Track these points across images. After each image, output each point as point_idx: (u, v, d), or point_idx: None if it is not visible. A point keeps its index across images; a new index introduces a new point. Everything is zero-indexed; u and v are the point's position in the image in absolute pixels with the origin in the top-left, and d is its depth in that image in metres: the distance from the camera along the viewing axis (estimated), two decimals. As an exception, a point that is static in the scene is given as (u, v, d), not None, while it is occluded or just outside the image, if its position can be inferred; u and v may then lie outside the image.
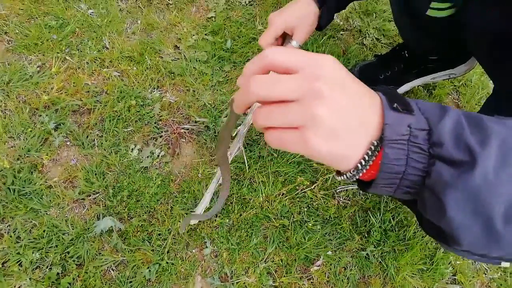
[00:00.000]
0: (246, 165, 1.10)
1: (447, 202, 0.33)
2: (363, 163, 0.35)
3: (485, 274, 1.20)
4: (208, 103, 1.17)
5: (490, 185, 0.32)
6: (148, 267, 0.95)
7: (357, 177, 0.37)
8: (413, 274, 1.12)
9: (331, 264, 1.08)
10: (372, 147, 0.34)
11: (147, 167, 1.06)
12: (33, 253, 0.90)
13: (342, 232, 1.12)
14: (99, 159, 1.03)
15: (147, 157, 1.07)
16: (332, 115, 0.32)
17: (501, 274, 1.21)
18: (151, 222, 1.00)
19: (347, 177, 0.37)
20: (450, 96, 1.43)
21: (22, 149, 0.99)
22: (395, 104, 0.35)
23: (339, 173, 0.39)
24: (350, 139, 0.33)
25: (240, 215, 1.07)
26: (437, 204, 0.34)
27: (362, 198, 1.17)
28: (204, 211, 0.98)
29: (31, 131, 1.01)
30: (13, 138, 1.01)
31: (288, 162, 1.15)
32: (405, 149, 0.34)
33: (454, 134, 0.33)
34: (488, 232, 0.34)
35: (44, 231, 0.93)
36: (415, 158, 0.34)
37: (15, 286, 0.88)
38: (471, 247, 0.37)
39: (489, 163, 0.32)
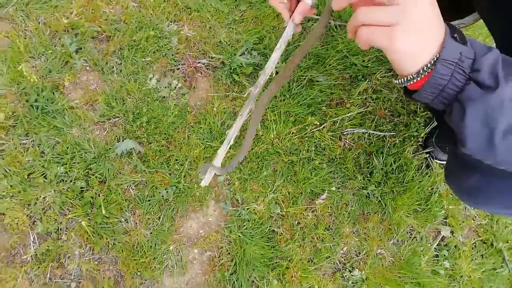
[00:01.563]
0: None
1: (468, 111, 0.49)
2: (421, 71, 0.49)
3: (474, 220, 1.37)
4: (224, 41, 1.25)
5: (502, 108, 0.47)
6: (166, 189, 1.07)
7: (411, 82, 0.52)
8: (408, 213, 1.27)
9: (334, 200, 1.21)
10: (432, 61, 0.49)
11: (165, 96, 1.14)
12: (57, 167, 0.99)
13: (346, 171, 1.25)
14: (119, 85, 1.11)
15: (165, 87, 1.15)
16: (420, 20, 0.46)
17: (487, 221, 1.38)
18: (169, 148, 1.10)
19: (404, 81, 0.52)
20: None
21: (44, 69, 1.06)
22: (455, 34, 0.50)
23: (397, 77, 0.53)
24: (425, 42, 0.48)
25: (252, 149, 1.18)
26: (461, 113, 0.50)
27: (366, 142, 1.29)
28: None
29: (51, 53, 1.08)
30: (34, 58, 1.07)
31: (299, 104, 1.25)
32: (452, 69, 0.49)
33: (490, 66, 0.48)
34: (488, 141, 0.50)
35: (67, 148, 1.02)
36: (457, 77, 0.49)
37: (40, 197, 0.98)
38: (473, 150, 0.53)
39: (506, 92, 0.47)
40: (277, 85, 0.76)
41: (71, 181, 1.01)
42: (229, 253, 1.09)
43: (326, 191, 1.21)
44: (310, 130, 1.25)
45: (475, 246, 1.34)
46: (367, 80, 1.33)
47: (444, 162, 1.34)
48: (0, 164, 0.97)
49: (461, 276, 1.27)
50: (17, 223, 0.96)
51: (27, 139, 1.02)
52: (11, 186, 0.96)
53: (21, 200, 0.97)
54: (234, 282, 1.06)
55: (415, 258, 1.23)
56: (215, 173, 0.83)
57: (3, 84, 1.03)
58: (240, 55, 1.25)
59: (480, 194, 0.87)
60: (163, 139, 1.11)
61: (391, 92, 1.36)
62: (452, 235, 1.32)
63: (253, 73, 1.23)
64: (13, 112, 1.01)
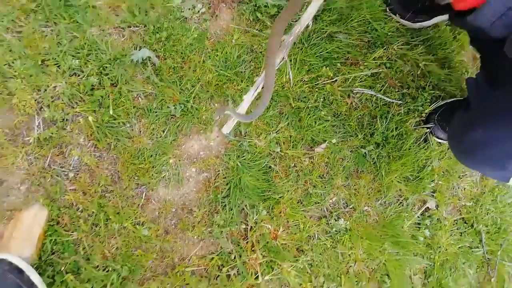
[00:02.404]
0: (291, 76, 1.23)
1: None
2: None
3: (460, 200, 1.45)
4: (254, -22, 1.28)
5: None
6: (174, 105, 1.11)
7: None
8: (400, 179, 1.34)
9: (332, 152, 1.28)
10: None
11: (187, 18, 1.18)
12: (72, 59, 1.02)
13: (349, 128, 1.31)
14: (145, -4, 1.13)
15: (189, 9, 1.19)
16: None
17: (472, 204, 1.46)
18: (183, 67, 1.14)
19: None
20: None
21: (73, -36, 1.08)
22: None
23: None
24: None
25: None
26: None
27: (373, 105, 1.35)
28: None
29: (83, -50, 1.10)
30: (65, -49, 1.09)
31: (315, 55, 1.30)
32: None
33: None
34: None
35: (84, 44, 1.05)
36: None
37: (50, 85, 1.01)
38: None
39: None
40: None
41: (83, 76, 1.04)
42: (225, 178, 1.14)
43: (326, 142, 1.27)
44: (322, 81, 1.30)
45: (456, 223, 1.42)
46: (384, 48, 1.39)
47: (442, 141, 1.42)
48: (16, 45, 0.99)
49: (439, 247, 1.36)
50: (24, 105, 0.99)
51: (46, 26, 1.04)
52: (24, 68, 0.99)
53: (31, 84, 0.99)
54: (225, 205, 1.11)
55: (398, 221, 1.31)
56: (238, 120, 0.88)
57: (30, -31, 1.04)
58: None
59: (480, 150, 0.94)
60: (179, 57, 1.14)
61: (405, 64, 1.43)
62: (437, 208, 1.40)
63: (276, 15, 1.28)
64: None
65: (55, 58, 1.03)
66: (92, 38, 1.07)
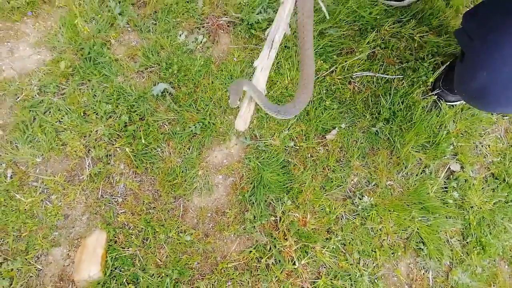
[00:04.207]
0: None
1: None
2: None
3: (485, 158, 1.24)
4: (243, 2, 1.23)
5: None
6: (194, 124, 1.09)
7: None
8: (416, 149, 1.18)
9: (344, 136, 1.17)
10: None
11: (192, 50, 1.16)
12: (106, 105, 1.05)
13: (355, 111, 1.19)
14: (154, 41, 1.15)
15: (192, 42, 1.17)
16: None
17: (500, 159, 1.25)
18: (196, 91, 1.12)
19: None
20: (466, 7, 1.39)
21: (95, 30, 1.12)
22: None
23: None
24: None
25: (268, 92, 1.16)
26: None
27: (375, 85, 1.22)
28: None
29: (100, 16, 1.14)
30: (86, 22, 1.14)
31: (311, 53, 1.21)
32: None
33: None
34: None
35: (114, 91, 1.07)
36: None
37: (93, 130, 1.05)
38: None
39: None
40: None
41: (117, 117, 1.06)
42: (248, 178, 1.08)
43: (336, 128, 1.16)
44: (321, 74, 1.20)
45: (486, 181, 1.21)
46: (376, 31, 1.26)
47: (454, 103, 1.23)
48: (62, 104, 1.05)
49: (471, 207, 1.16)
50: (75, 151, 1.03)
51: (83, 84, 1.08)
52: (71, 121, 1.03)
53: (78, 132, 1.04)
54: (253, 202, 1.06)
55: (423, 188, 1.15)
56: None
57: (63, 43, 1.10)
58: (257, 14, 1.23)
59: (488, 93, 0.79)
60: (191, 84, 1.13)
61: (399, 41, 1.28)
62: (462, 170, 1.21)
63: (268, 27, 1.21)
64: (71, 64, 1.08)
65: (93, 107, 1.06)
66: (118, 85, 1.09)
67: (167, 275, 0.96)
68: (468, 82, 0.84)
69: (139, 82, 1.12)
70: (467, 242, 1.14)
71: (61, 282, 0.93)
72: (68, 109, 1.05)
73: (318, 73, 1.19)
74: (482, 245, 1.14)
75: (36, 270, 0.93)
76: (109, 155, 1.04)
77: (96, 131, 1.05)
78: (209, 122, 1.10)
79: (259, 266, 1.01)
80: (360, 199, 1.12)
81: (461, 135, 1.24)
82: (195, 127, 1.09)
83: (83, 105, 1.06)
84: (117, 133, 1.05)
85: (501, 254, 1.15)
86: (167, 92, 1.10)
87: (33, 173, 1.00)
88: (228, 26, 1.22)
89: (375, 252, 1.08)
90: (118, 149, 1.05)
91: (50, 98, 1.05)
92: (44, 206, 0.98)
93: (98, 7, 1.15)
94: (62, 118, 1.04)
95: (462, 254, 1.12)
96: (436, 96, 1.24)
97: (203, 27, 1.20)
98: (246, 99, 0.74)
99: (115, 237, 0.98)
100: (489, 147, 1.25)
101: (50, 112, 1.04)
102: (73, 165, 1.02)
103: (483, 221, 1.16)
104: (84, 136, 1.04)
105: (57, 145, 1.03)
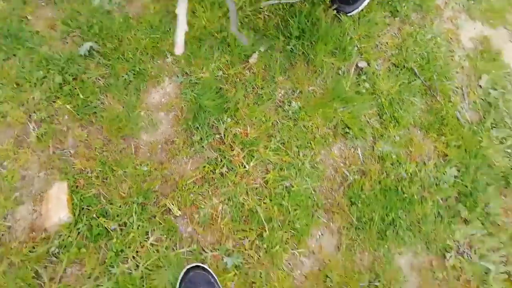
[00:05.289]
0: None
1: None
2: None
3: (386, 53, 1.40)
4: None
5: None
6: (126, 73, 1.13)
7: None
8: (328, 56, 1.32)
9: (265, 58, 1.27)
10: None
11: (109, 10, 1.22)
12: (37, 71, 1.06)
13: (270, 36, 1.31)
14: (70, 9, 1.17)
15: (107, 3, 1.23)
16: None
17: (398, 51, 1.40)
18: (121, 45, 1.18)
19: None
20: None
21: (9, 9, 1.11)
22: None
23: None
24: None
25: (189, 33, 1.22)
26: None
27: (282, 11, 1.33)
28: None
29: (11, -4, 1.13)
30: (-1, 3, 1.12)
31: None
32: None
33: None
34: None
35: (42, 58, 1.12)
36: None
37: (30, 97, 1.06)
38: None
39: None
40: None
41: (50, 81, 1.08)
42: (188, 109, 1.15)
43: (257, 52, 1.26)
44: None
45: (390, 70, 1.39)
46: (272, -33, 1.35)
47: (351, 13, 1.37)
48: (-7, 80, 1.04)
49: (382, 92, 1.33)
50: (16, 119, 1.05)
51: (8, 59, 1.09)
52: (5, 94, 1.04)
53: (15, 102, 1.05)
54: (197, 127, 1.13)
55: (339, 85, 1.30)
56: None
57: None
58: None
59: None
60: (115, 40, 1.18)
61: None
62: (368, 65, 1.37)
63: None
64: (-8, 43, 1.08)
65: (25, 77, 1.08)
66: (45, 53, 1.11)
67: (133, 202, 1.02)
68: None
69: (65, 48, 1.15)
70: (383, 120, 1.30)
71: (34, 233, 0.96)
72: (0, 84, 1.04)
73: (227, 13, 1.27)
74: (396, 119, 1.30)
75: (6, 227, 0.95)
76: (52, 116, 1.07)
77: (33, 97, 1.07)
78: (139, 68, 1.16)
79: (214, 176, 1.10)
80: (289, 106, 1.23)
81: (363, 38, 1.39)
82: (128, 75, 1.14)
83: (14, 77, 1.08)
84: (54, 94, 1.08)
85: (412, 123, 1.32)
86: (94, 50, 1.14)
87: (-20, 147, 1.00)
88: (138, -16, 1.26)
89: (310, 143, 1.20)
90: (59, 108, 1.07)
91: (-21, 77, 1.04)
92: (-1, 173, 0.98)
93: (7, -12, 1.14)
94: (-4, 93, 1.04)
95: (381, 129, 1.28)
96: (335, 11, 1.37)
97: (114, -11, 1.24)
98: (178, 27, 0.85)
99: (76, 183, 1.02)
100: (387, 44, 1.42)
101: (-18, 90, 1.04)
102: (18, 131, 1.04)
103: (393, 101, 1.33)
104: (23, 104, 1.06)
105: (-2, 118, 1.02)
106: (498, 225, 1.38)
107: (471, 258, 1.33)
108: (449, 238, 1.31)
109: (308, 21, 1.37)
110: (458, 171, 1.37)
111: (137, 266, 1.01)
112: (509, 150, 1.45)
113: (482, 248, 1.33)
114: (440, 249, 1.29)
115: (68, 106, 1.08)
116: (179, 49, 0.93)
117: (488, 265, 1.34)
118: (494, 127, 1.46)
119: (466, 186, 1.35)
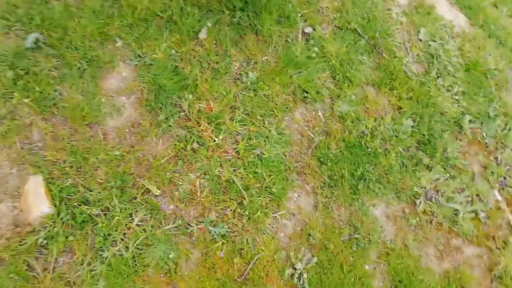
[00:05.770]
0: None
1: None
2: None
3: (328, 17, 2.14)
4: None
5: None
6: (79, 62, 1.66)
7: None
8: (274, 26, 2.00)
9: (214, 33, 1.91)
10: None
11: (47, 0, 1.72)
12: (-14, 70, 1.53)
13: (215, 10, 1.95)
14: (5, 2, 1.66)
15: (43, -7, 1.72)
16: None
17: (339, 14, 2.16)
18: (67, 33, 1.69)
19: None
20: None
21: None
22: None
23: None
24: None
25: (133, 16, 1.80)
26: None
27: (223, -14, 1.98)
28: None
29: None
30: None
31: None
32: None
33: None
34: None
35: (-14, 56, 1.56)
36: None
37: (-17, 98, 1.52)
38: None
39: None
40: None
41: (2, 77, 1.56)
42: (148, 90, 1.72)
43: (205, 27, 1.89)
44: (174, -11, 1.90)
45: (335, 33, 2.13)
46: None
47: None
48: None
49: (331, 55, 2.05)
50: (-26, 120, 1.49)
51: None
52: (-44, 96, 1.49)
53: (-31, 103, 1.50)
54: (160, 107, 1.71)
55: (290, 52, 1.98)
56: None
57: None
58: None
59: None
60: (60, 29, 1.69)
61: None
62: (314, 30, 2.09)
63: (109, -38, 1.85)
64: None
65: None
66: (-12, 50, 1.58)
67: (111, 187, 1.54)
68: None
69: (9, 42, 1.63)
70: (337, 81, 2.02)
71: (18, 228, 1.42)
72: None
73: (170, -12, 1.89)
74: (348, 79, 2.03)
75: (-11, 227, 1.40)
76: (11, 112, 1.54)
77: (-14, 96, 1.53)
78: (91, 55, 1.69)
79: (186, 153, 1.68)
80: (247, 77, 1.88)
81: (304, 5, 2.12)
82: (81, 64, 1.67)
83: None
84: (9, 90, 1.55)
85: (364, 80, 2.07)
86: (40, 41, 1.64)
87: None
88: (71, -30, 1.81)
89: (273, 111, 1.86)
90: (17, 104, 1.55)
91: None
92: (-32, 175, 1.43)
93: None
94: None
95: (337, 90, 1.99)
96: (274, -19, 2.08)
97: (47, -23, 1.76)
98: None
99: (51, 175, 1.51)
100: (327, 8, 2.17)
101: None
102: None
103: (343, 62, 2.06)
104: None
105: (-47, 121, 1.47)
106: (459, 168, 2.20)
107: (439, 201, 2.11)
108: (416, 185, 2.07)
109: (250, -7, 2.06)
110: (414, 121, 2.15)
111: (127, 247, 1.53)
112: (456, 97, 2.29)
113: (447, 191, 2.12)
114: (410, 196, 2.04)
115: (26, 100, 1.55)
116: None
117: (455, 206, 2.13)
118: (439, 76, 2.30)
119: (424, 135, 2.15)
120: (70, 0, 1.77)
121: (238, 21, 1.97)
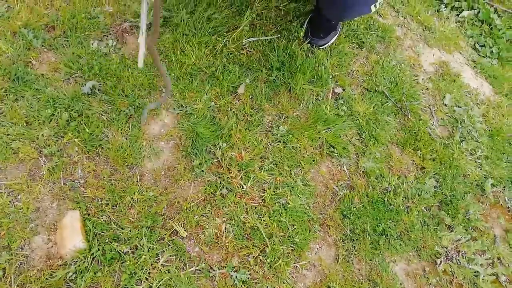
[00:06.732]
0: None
1: None
2: None
3: (358, 79, 1.94)
4: (137, 10, 1.76)
5: None
6: (127, 108, 1.54)
7: None
8: (307, 84, 1.82)
9: (251, 88, 1.74)
10: None
11: (106, 53, 1.64)
12: (45, 110, 1.44)
13: (254, 69, 1.80)
14: (71, 53, 1.59)
15: (104, 47, 1.65)
16: None
17: (368, 77, 1.95)
18: (120, 82, 1.59)
19: None
20: None
21: (15, 56, 1.51)
22: None
23: None
24: None
25: (181, 70, 1.68)
26: None
27: (262, 47, 1.84)
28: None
29: (16, 44, 1.54)
30: (5, 52, 1.52)
31: (205, 34, 1.78)
32: None
33: None
34: None
35: (48, 98, 1.48)
36: None
37: (39, 134, 1.42)
38: None
39: None
40: None
41: (57, 118, 1.45)
42: (186, 137, 1.56)
43: (243, 83, 1.74)
44: (219, 47, 1.78)
45: (363, 94, 1.91)
46: (249, 8, 1.90)
47: (323, 47, 1.92)
48: (4, 121, 1.40)
49: (358, 114, 1.83)
50: (28, 155, 1.38)
51: (17, 101, 1.46)
52: (16, 132, 1.39)
53: (26, 139, 1.40)
54: (196, 153, 1.54)
55: (320, 109, 1.78)
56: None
57: (-13, 72, 1.47)
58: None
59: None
60: (114, 78, 1.59)
61: (270, 12, 1.95)
62: (344, 91, 1.88)
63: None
64: (1, 86, 1.45)
65: (33, 116, 1.44)
66: (51, 93, 1.49)
67: (142, 226, 1.36)
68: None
69: (68, 88, 1.54)
70: (363, 138, 1.78)
71: (50, 260, 1.26)
72: (10, 123, 1.40)
73: (216, 47, 1.77)
74: (374, 137, 1.79)
75: (23, 257, 1.24)
76: (61, 150, 1.42)
77: (43, 134, 1.43)
78: (139, 103, 1.57)
79: (215, 198, 1.48)
80: (278, 130, 1.69)
81: (336, 67, 1.93)
82: (129, 110, 1.54)
83: (24, 116, 1.43)
84: (62, 130, 1.44)
85: (390, 140, 1.82)
86: (96, 88, 1.54)
87: (-7, 183, 1.33)
88: (131, 29, 1.73)
89: (300, 163, 1.64)
90: (67, 143, 1.43)
91: (-11, 118, 1.40)
92: (14, 205, 1.31)
93: (12, 38, 1.55)
94: (8, 132, 1.39)
95: (362, 147, 1.76)
96: (309, 44, 1.92)
97: (110, 34, 1.70)
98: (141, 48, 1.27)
99: (87, 211, 1.35)
100: (358, 71, 1.97)
101: (-6, 129, 1.39)
102: (30, 166, 1.37)
103: (370, 121, 1.83)
104: (33, 141, 1.41)
105: (10, 155, 1.37)
106: (480, 230, 1.86)
107: (460, 262, 1.78)
108: (437, 244, 1.76)
109: (286, 54, 1.90)
110: (437, 181, 1.87)
111: (150, 287, 1.33)
112: (479, 161, 1.99)
113: (468, 252, 1.79)
114: (430, 255, 1.73)
115: (76, 140, 1.44)
116: (140, 62, 1.28)
117: (476, 268, 1.79)
118: (463, 140, 2.02)
119: (446, 195, 1.85)
120: (126, 54, 1.68)
121: (274, 79, 1.81)
